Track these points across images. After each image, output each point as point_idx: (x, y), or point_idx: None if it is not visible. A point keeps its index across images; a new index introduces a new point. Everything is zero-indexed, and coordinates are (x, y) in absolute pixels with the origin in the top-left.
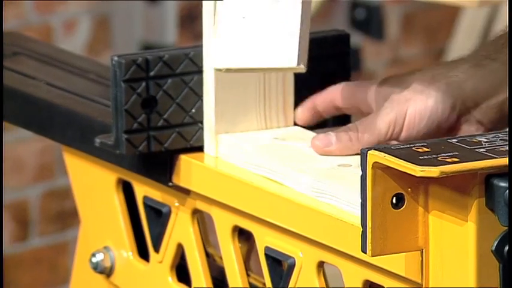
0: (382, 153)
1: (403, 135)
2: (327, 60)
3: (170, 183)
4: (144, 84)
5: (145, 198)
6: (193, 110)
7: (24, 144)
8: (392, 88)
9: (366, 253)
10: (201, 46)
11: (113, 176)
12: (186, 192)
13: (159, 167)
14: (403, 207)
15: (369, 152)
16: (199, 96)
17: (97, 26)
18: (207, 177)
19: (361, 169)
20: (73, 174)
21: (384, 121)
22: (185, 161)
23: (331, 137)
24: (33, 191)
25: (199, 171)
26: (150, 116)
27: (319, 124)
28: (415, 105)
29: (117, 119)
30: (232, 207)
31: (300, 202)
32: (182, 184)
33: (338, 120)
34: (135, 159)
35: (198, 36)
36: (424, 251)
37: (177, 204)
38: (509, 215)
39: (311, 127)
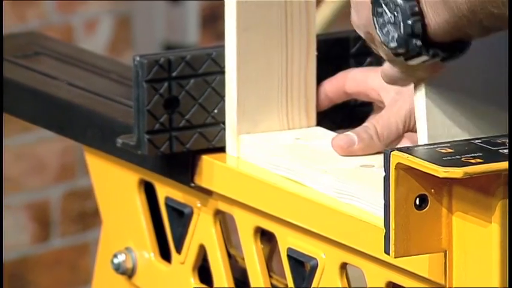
0: (405, 154)
1: None
2: (350, 60)
3: (192, 184)
4: (166, 84)
5: (167, 199)
6: (215, 111)
7: (45, 144)
8: None
9: (389, 254)
10: (223, 46)
11: (134, 176)
12: (208, 193)
13: (181, 167)
14: (427, 208)
15: (392, 152)
16: (221, 96)
17: (118, 26)
18: (229, 177)
19: (384, 170)
20: (95, 174)
21: (399, 116)
22: (207, 161)
23: (352, 137)
24: (54, 191)
25: (221, 171)
26: (172, 117)
27: (336, 121)
28: None
29: (139, 119)
30: (254, 208)
31: (323, 203)
32: (204, 185)
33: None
34: (157, 159)
35: (221, 36)
36: (447, 252)
37: (199, 205)
38: (509, 215)
39: (331, 127)
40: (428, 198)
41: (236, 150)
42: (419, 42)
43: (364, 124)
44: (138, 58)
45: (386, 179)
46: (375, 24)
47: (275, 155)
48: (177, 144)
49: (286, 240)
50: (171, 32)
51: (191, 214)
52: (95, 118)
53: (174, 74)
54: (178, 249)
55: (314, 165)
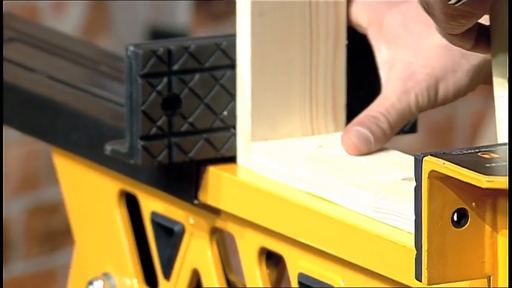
0: (440, 160)
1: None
2: None
3: (196, 201)
4: (165, 80)
5: (153, 214)
6: (224, 113)
7: (4, 148)
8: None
9: (420, 281)
10: (234, 35)
11: (114, 186)
12: (204, 207)
13: (182, 181)
14: (466, 225)
15: (424, 158)
16: (232, 95)
17: (92, 5)
18: (241, 193)
19: (415, 179)
20: (65, 184)
21: (411, 99)
22: (214, 174)
23: (366, 134)
24: (14, 205)
25: (232, 186)
26: (172, 119)
27: None
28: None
29: (132, 122)
30: (259, 225)
31: (357, 225)
32: (210, 202)
33: None
34: (151, 170)
35: (216, 18)
36: (491, 278)
37: (191, 221)
38: (509, 216)
39: None
40: (469, 213)
41: (249, 161)
42: None
43: (371, 113)
44: (132, 48)
45: (418, 190)
46: None
47: (296, 166)
48: (178, 153)
49: (297, 263)
50: (156, 13)
51: (182, 232)
52: (80, 120)
53: (175, 68)
54: (167, 275)
55: (345, 179)
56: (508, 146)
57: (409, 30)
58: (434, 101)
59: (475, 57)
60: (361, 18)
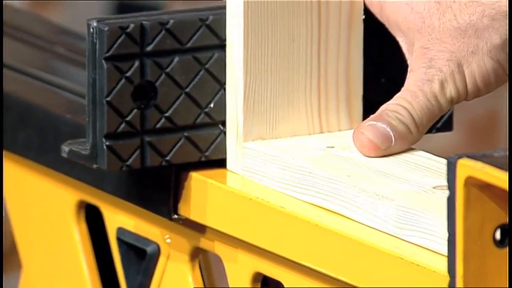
0: (479, 163)
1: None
2: None
3: (174, 216)
4: (137, 63)
5: (121, 231)
6: (211, 105)
7: None
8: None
9: None
10: (223, 8)
11: (71, 197)
12: (185, 223)
13: (158, 190)
14: None
15: (459, 161)
16: (220, 83)
17: None
18: (231, 205)
19: (448, 187)
20: (10, 194)
21: (439, 90)
22: (198, 181)
23: (387, 132)
24: None
25: (220, 196)
26: (145, 113)
27: None
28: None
29: (95, 116)
30: (254, 245)
31: (371, 244)
32: (193, 217)
33: None
34: (119, 176)
35: None
36: None
37: (168, 240)
38: (509, 217)
39: None
40: None
41: (241, 165)
42: None
43: (389, 107)
44: (94, 23)
45: (451, 201)
46: None
47: (300, 171)
48: (153, 155)
49: None
50: None
51: (157, 254)
52: (30, 114)
53: (148, 49)
54: None
55: (361, 187)
56: (508, 146)
57: (417, 9)
58: (464, 90)
59: (493, 35)
60: None
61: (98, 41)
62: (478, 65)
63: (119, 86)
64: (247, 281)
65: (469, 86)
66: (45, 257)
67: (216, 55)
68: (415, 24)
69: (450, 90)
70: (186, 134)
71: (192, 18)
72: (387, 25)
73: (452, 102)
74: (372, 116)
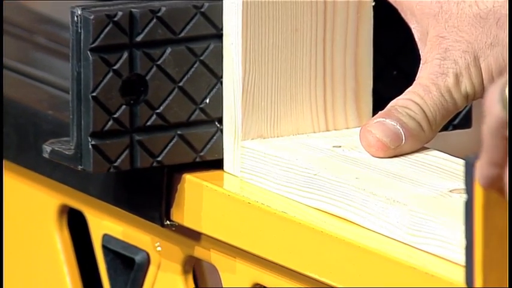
0: None
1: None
2: None
3: (166, 222)
4: (125, 55)
5: (107, 238)
6: (206, 101)
7: None
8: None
9: None
10: None
11: (53, 200)
12: (177, 229)
13: (149, 193)
14: None
15: (478, 162)
16: (217, 77)
17: None
18: (228, 210)
19: (466, 190)
20: None
21: (453, 83)
22: (192, 184)
23: (397, 130)
24: None
25: (216, 200)
26: (134, 109)
27: None
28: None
29: (79, 113)
30: (253, 254)
31: (382, 252)
32: (186, 223)
33: None
34: (105, 178)
35: None
36: None
37: (159, 248)
38: (509, 216)
39: None
40: None
41: (239, 166)
42: None
43: (399, 103)
44: (79, 11)
45: (469, 205)
46: None
47: (304, 173)
48: (143, 156)
49: None
50: None
51: (147, 263)
52: (8, 110)
53: (138, 39)
54: None
55: (370, 190)
56: (508, 146)
57: None
58: (480, 87)
59: None
60: None
61: (82, 31)
62: (496, 58)
63: (105, 80)
64: None
65: (486, 81)
66: (25, 267)
67: (212, 46)
68: (431, 8)
69: (465, 85)
70: (179, 132)
71: (185, 6)
72: (400, 10)
73: (468, 99)
74: (380, 112)
